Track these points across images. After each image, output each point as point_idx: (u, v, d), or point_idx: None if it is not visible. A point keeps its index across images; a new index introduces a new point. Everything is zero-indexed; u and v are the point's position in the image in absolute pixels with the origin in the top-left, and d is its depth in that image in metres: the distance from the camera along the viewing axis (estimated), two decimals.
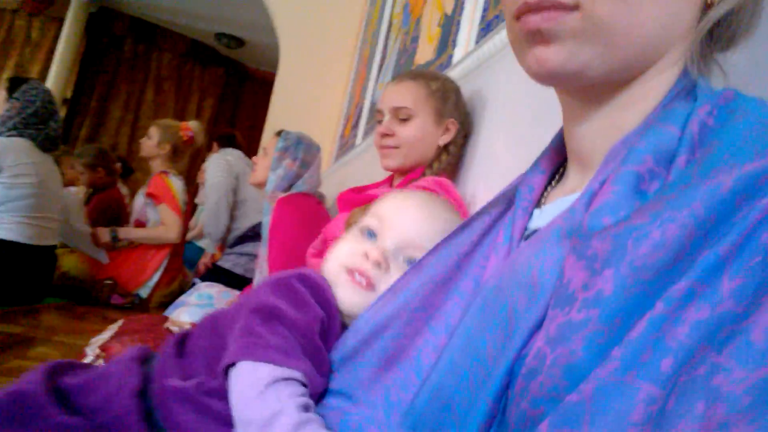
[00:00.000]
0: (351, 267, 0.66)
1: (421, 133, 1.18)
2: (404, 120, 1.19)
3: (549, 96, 0.88)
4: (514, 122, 1.05)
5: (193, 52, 6.54)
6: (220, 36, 6.09)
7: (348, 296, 0.65)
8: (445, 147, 1.20)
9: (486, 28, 1.30)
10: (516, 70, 1.07)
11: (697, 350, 0.30)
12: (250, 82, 6.98)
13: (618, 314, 0.33)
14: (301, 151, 1.87)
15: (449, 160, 1.19)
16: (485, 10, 1.35)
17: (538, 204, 0.52)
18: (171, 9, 5.82)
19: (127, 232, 2.89)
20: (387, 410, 0.47)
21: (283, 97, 3.65)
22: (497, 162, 1.08)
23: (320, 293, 0.64)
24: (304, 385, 0.52)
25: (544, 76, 0.44)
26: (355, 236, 0.70)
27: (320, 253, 1.19)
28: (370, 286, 0.65)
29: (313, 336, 0.57)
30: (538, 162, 0.56)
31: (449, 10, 1.64)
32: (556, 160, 0.55)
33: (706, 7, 0.43)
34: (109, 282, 2.67)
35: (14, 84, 2.43)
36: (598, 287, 0.34)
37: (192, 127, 3.06)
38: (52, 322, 2.23)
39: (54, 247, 2.49)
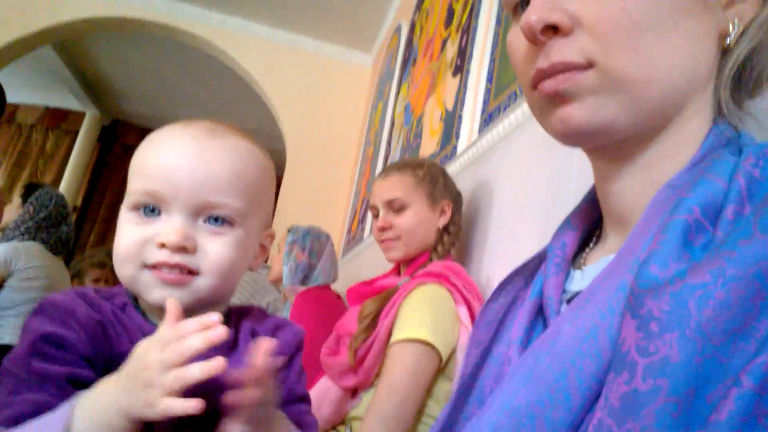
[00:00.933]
0: (149, 263, 0.54)
1: (418, 220, 1.19)
2: (399, 211, 1.21)
3: (559, 171, 0.92)
4: (526, 202, 1.08)
5: None
6: None
7: (163, 295, 0.53)
8: (445, 229, 1.21)
9: (488, 119, 1.37)
10: (523, 152, 1.12)
11: None
12: None
13: (691, 384, 0.30)
14: (309, 240, 1.89)
15: (451, 241, 1.20)
16: (485, 102, 1.43)
17: (575, 264, 0.50)
18: (181, 119, 6.11)
19: None
20: None
21: (291, 197, 3.74)
22: (513, 242, 1.09)
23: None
24: None
25: (571, 135, 0.43)
26: (131, 218, 0.56)
27: (334, 352, 1.17)
28: (187, 276, 0.54)
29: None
30: (569, 219, 0.54)
31: (450, 106, 1.74)
32: (590, 218, 0.53)
33: (724, 52, 0.43)
34: None
35: (29, 190, 2.51)
36: (662, 353, 0.31)
37: None
38: None
39: None
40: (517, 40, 0.46)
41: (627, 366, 0.33)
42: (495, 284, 1.09)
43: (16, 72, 4.96)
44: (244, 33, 3.87)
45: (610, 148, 0.45)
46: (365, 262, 2.42)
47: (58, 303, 0.53)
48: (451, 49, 1.88)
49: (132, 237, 0.55)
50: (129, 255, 0.55)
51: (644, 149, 0.44)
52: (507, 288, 0.55)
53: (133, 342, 0.50)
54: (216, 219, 0.56)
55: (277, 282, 1.94)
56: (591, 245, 0.52)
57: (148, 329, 0.55)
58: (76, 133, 6.06)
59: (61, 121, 6.25)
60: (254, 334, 0.60)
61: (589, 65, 0.40)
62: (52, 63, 4.87)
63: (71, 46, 4.74)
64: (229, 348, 0.57)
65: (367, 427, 0.93)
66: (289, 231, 1.97)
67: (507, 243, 1.12)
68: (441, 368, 1.00)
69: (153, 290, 0.54)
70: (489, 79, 1.44)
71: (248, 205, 0.58)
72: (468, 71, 1.62)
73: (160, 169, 0.55)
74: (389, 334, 1.03)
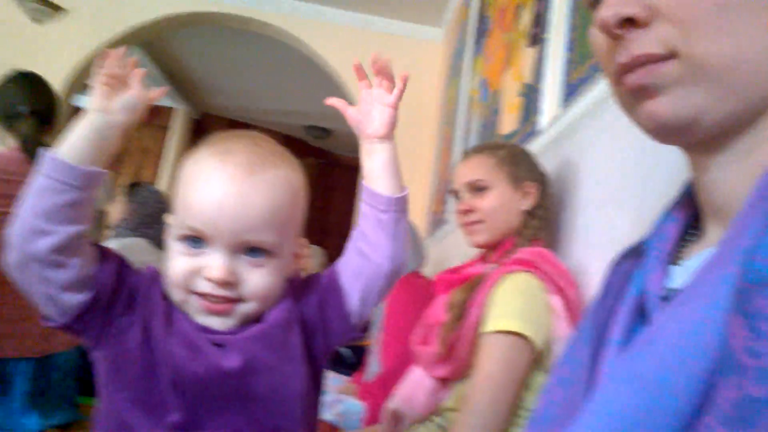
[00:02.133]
0: (197, 291, 0.60)
1: (500, 202, 1.15)
2: (480, 192, 1.17)
3: (654, 147, 0.85)
4: (618, 182, 1.01)
5: (286, 146, 6.91)
6: (309, 129, 6.50)
7: (210, 322, 0.61)
8: (532, 212, 1.16)
9: (571, 92, 1.29)
10: (612, 126, 1.05)
11: None
12: (340, 168, 7.31)
13: None
14: None
15: (539, 225, 1.15)
16: (567, 73, 1.34)
17: (673, 259, 0.47)
18: (264, 110, 6.31)
19: None
20: None
21: None
22: (606, 225, 1.03)
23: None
24: None
25: (659, 130, 0.41)
26: (181, 248, 0.62)
27: (425, 341, 1.16)
28: (231, 305, 0.61)
29: None
30: (670, 211, 0.50)
31: (528, 80, 1.65)
32: (689, 211, 0.50)
33: None
34: None
35: (131, 189, 2.69)
36: None
37: None
38: None
39: None
40: (597, 34, 0.44)
41: (735, 368, 0.30)
42: (588, 270, 1.04)
43: None
44: (315, 18, 3.89)
45: (704, 141, 0.42)
46: (451, 245, 2.39)
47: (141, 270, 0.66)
48: (526, 18, 1.78)
49: (182, 267, 0.61)
50: (179, 282, 0.61)
51: (741, 136, 0.40)
52: (615, 277, 0.52)
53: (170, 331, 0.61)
54: (254, 251, 0.61)
55: None
56: (690, 239, 0.49)
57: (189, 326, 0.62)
58: (169, 129, 6.42)
59: (154, 118, 6.64)
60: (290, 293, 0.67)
61: (671, 55, 0.39)
62: (142, 63, 5.14)
63: (157, 45, 4.99)
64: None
65: (463, 420, 0.92)
66: None
67: (599, 226, 1.06)
68: (536, 359, 0.97)
69: (200, 316, 0.61)
70: (569, 48, 1.35)
71: (283, 235, 0.63)
72: (546, 40, 1.53)
73: (203, 210, 0.60)
74: (479, 323, 1.01)
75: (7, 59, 3.72)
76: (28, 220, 0.57)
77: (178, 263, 0.61)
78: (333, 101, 0.73)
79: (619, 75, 0.41)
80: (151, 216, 2.58)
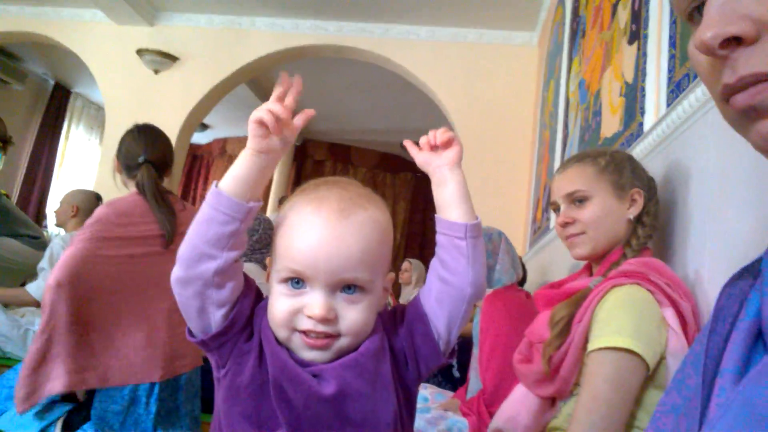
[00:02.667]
0: (299, 329, 0.65)
1: (603, 212, 1.09)
2: (581, 203, 1.12)
3: None
4: (733, 185, 0.93)
5: (383, 163, 7.13)
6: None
7: (313, 357, 0.65)
8: (638, 220, 1.09)
9: (677, 90, 1.21)
10: (724, 125, 0.97)
11: None
12: None
13: None
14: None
15: (647, 233, 1.07)
16: (671, 71, 1.26)
17: None
18: (361, 130, 6.50)
19: None
20: None
21: (469, 190, 3.74)
22: (722, 231, 0.95)
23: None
24: None
25: None
26: (283, 290, 0.66)
27: (528, 359, 1.13)
28: (330, 340, 0.65)
29: None
30: None
31: (630, 78, 1.57)
32: None
33: None
34: None
35: None
36: None
37: None
38: None
39: None
40: (697, 54, 0.41)
41: None
42: (705, 279, 0.96)
43: (222, 111, 5.72)
44: (406, 38, 3.96)
45: None
46: (554, 254, 2.31)
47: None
48: (624, 14, 1.70)
49: (285, 307, 0.65)
50: (283, 322, 0.66)
51: None
52: (728, 302, 0.48)
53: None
54: (350, 288, 0.66)
55: None
56: None
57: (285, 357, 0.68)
58: None
59: None
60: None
61: None
62: (248, 98, 5.52)
63: (260, 81, 5.33)
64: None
65: None
66: None
67: (714, 232, 0.98)
68: (650, 376, 0.91)
69: (303, 352, 0.66)
70: (672, 44, 1.27)
71: (375, 272, 0.67)
72: (646, 36, 1.45)
73: (303, 254, 0.65)
74: (585, 340, 0.97)
75: (133, 105, 4.15)
76: (197, 245, 0.64)
77: (282, 304, 0.66)
78: (406, 143, 0.76)
79: (727, 95, 0.39)
80: (260, 242, 2.73)
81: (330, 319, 0.64)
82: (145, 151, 1.75)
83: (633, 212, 1.10)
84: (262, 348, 0.68)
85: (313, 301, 0.64)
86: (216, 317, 0.67)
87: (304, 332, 0.65)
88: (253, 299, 0.70)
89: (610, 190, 1.11)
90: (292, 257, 0.65)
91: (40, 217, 5.93)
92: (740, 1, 0.37)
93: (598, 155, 1.16)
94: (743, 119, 0.39)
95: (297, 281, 0.65)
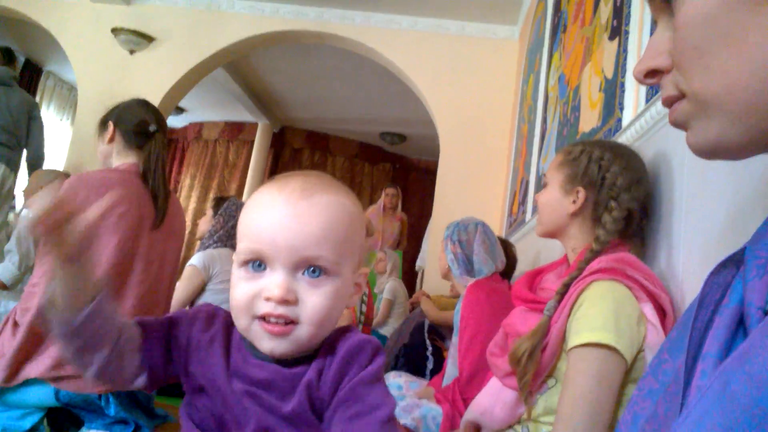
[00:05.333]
0: (258, 314, 0.62)
1: (548, 200, 1.18)
2: (544, 187, 1.20)
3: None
4: (713, 178, 0.95)
5: (361, 152, 7.11)
6: (384, 135, 6.57)
7: (271, 346, 0.62)
8: (598, 219, 1.10)
9: (656, 85, 1.22)
10: None
11: None
12: (415, 172, 7.33)
13: None
14: (456, 233, 1.87)
15: (604, 234, 1.05)
16: None
17: None
18: (340, 119, 6.46)
19: None
20: None
21: (447, 182, 3.75)
22: (705, 225, 0.96)
23: None
24: None
25: (700, 156, 0.46)
26: (243, 274, 0.64)
27: (503, 351, 1.13)
28: (289, 327, 0.61)
29: None
30: None
31: (609, 74, 1.58)
32: None
33: None
34: None
35: (218, 202, 2.83)
36: None
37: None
38: None
39: None
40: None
41: None
42: (679, 273, 0.98)
43: (198, 94, 5.62)
44: (388, 27, 3.94)
45: (744, 155, 0.45)
46: (529, 247, 2.34)
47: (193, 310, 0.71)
48: (606, 10, 1.71)
49: (244, 291, 0.63)
50: (242, 308, 0.63)
51: None
52: (712, 289, 0.48)
53: (231, 357, 0.66)
54: (313, 270, 0.62)
55: (446, 277, 1.95)
56: None
57: (239, 346, 0.67)
58: (252, 143, 6.71)
59: (238, 133, 6.98)
60: (332, 352, 0.66)
61: (682, 95, 0.44)
62: (226, 82, 5.43)
63: (238, 65, 5.24)
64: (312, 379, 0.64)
65: None
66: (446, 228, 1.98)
67: (689, 227, 0.99)
68: (627, 371, 0.92)
69: (262, 340, 0.62)
70: None
71: (340, 254, 0.64)
72: (627, 32, 1.46)
73: (262, 231, 0.62)
74: (562, 338, 0.98)
75: (106, 86, 4.05)
76: (70, 356, 0.64)
77: (241, 289, 0.63)
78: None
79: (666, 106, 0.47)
80: (236, 227, 2.70)
81: (289, 300, 0.61)
82: (157, 122, 1.65)
83: (572, 208, 1.12)
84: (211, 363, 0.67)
85: (272, 282, 0.61)
86: (140, 383, 0.68)
87: (263, 318, 0.61)
88: (162, 340, 0.68)
89: (560, 182, 1.15)
90: (251, 236, 0.63)
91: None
92: (661, 40, 0.46)
93: (577, 146, 1.17)
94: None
95: (258, 263, 0.63)
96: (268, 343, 0.62)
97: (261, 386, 0.64)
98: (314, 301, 0.62)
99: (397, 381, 1.82)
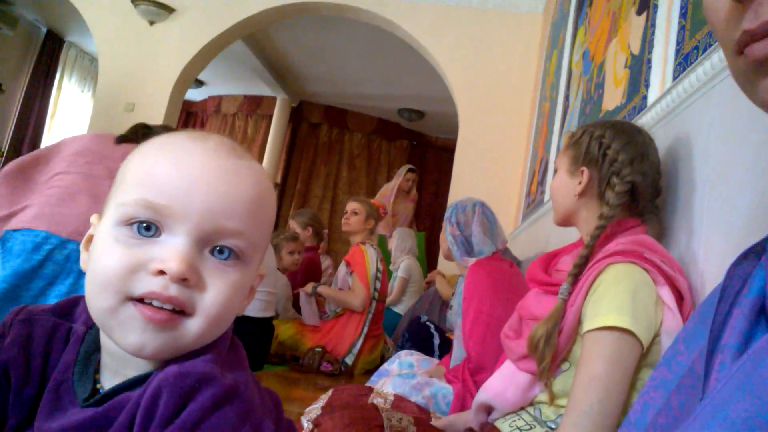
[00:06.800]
0: (136, 294, 0.44)
1: (557, 185, 1.16)
2: (555, 173, 1.19)
3: None
4: (738, 160, 0.91)
5: (379, 129, 7.05)
6: (402, 111, 6.51)
7: (143, 341, 0.44)
8: (588, 197, 1.10)
9: (684, 62, 1.17)
10: (732, 99, 0.94)
11: None
12: (432, 150, 7.27)
13: None
14: (455, 214, 1.85)
15: (607, 211, 1.04)
16: (679, 43, 1.23)
17: None
18: (358, 94, 6.40)
19: (325, 289, 3.10)
20: None
21: (464, 160, 3.71)
22: (729, 208, 0.93)
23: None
24: None
25: None
26: (120, 236, 0.45)
27: (518, 334, 1.12)
28: (176, 318, 0.45)
29: None
30: None
31: (636, 50, 1.53)
32: None
33: None
34: (318, 350, 2.87)
35: None
36: None
37: (381, 205, 3.28)
38: (272, 388, 2.44)
39: (272, 318, 2.77)
40: None
41: None
42: (700, 257, 0.95)
43: (218, 67, 5.60)
44: (409, 0, 3.86)
45: None
46: (546, 228, 2.30)
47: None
48: None
49: (119, 260, 0.45)
50: (111, 282, 0.44)
51: None
52: (733, 279, 0.46)
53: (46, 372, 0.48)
54: (221, 251, 0.47)
55: (448, 258, 1.94)
56: None
57: (62, 380, 0.49)
58: (271, 117, 6.69)
59: (257, 107, 6.96)
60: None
61: None
62: (245, 55, 5.40)
63: (257, 38, 5.20)
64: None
65: (570, 422, 0.88)
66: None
67: (713, 209, 0.96)
68: (643, 355, 0.90)
69: (131, 332, 0.45)
70: (683, 14, 1.23)
71: (260, 239, 0.50)
72: (656, 6, 1.41)
73: (172, 183, 0.46)
74: (577, 321, 0.96)
75: (127, 58, 4.05)
76: None
77: (115, 255, 0.45)
78: None
79: (743, 44, 0.36)
80: None
81: (189, 280, 0.45)
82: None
83: (578, 189, 1.11)
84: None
85: (170, 251, 0.44)
86: None
87: (142, 299, 0.44)
88: None
89: (566, 166, 1.15)
90: (149, 185, 0.46)
91: None
92: None
93: (579, 129, 1.18)
94: (754, 73, 0.37)
95: (147, 225, 0.45)
96: (138, 336, 0.44)
97: None
98: (219, 289, 0.47)
99: (408, 359, 1.82)
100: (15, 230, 1.58)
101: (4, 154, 5.72)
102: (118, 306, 0.45)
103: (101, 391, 0.48)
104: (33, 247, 1.54)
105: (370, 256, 3.08)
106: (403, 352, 1.94)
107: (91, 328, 0.52)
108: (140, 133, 1.76)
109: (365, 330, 2.98)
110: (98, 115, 4.05)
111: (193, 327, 0.46)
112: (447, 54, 3.80)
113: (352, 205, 3.13)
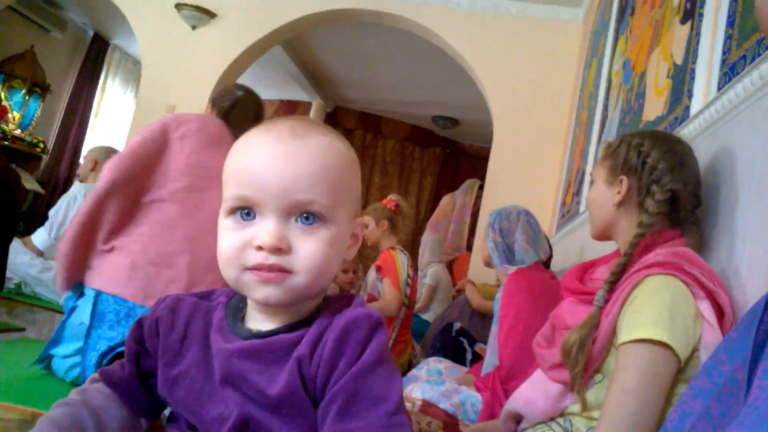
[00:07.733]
0: (249, 266, 0.57)
1: (595, 196, 1.15)
2: (591, 185, 1.18)
3: None
4: None
5: (412, 135, 7.06)
6: (436, 119, 6.50)
7: (266, 294, 0.57)
8: (627, 207, 1.08)
9: (730, 73, 1.15)
10: None
11: None
12: (466, 158, 7.24)
13: None
14: (498, 221, 1.83)
15: (647, 220, 1.01)
16: (725, 53, 1.20)
17: None
18: (392, 101, 6.42)
19: None
20: None
21: (499, 169, 3.68)
22: (763, 224, 0.90)
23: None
24: None
25: None
26: (230, 224, 0.58)
27: (550, 344, 1.10)
28: (284, 272, 0.56)
29: None
30: None
31: (679, 59, 1.50)
32: None
33: None
34: None
35: None
36: None
37: (393, 198, 3.22)
38: None
39: None
40: None
41: None
42: (743, 271, 0.92)
43: (256, 72, 5.70)
44: (446, 6, 3.87)
45: None
46: (581, 239, 2.27)
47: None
48: None
49: (232, 242, 0.58)
50: (230, 259, 0.58)
51: None
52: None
53: (201, 331, 0.63)
54: (307, 217, 0.57)
55: (488, 265, 1.92)
56: None
57: (221, 326, 0.63)
58: None
59: (293, 112, 7.05)
60: (325, 333, 0.59)
61: None
62: (282, 60, 5.49)
63: (295, 43, 5.28)
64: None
65: None
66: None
67: (757, 223, 0.93)
68: (680, 370, 0.88)
69: (256, 290, 0.57)
70: (730, 23, 1.20)
71: (335, 199, 0.59)
72: (701, 15, 1.38)
73: (249, 174, 0.57)
74: (612, 332, 0.94)
75: (169, 61, 4.16)
76: None
77: (229, 239, 0.58)
78: None
79: None
80: None
81: (282, 248, 0.56)
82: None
83: (617, 198, 1.09)
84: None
85: (262, 230, 0.56)
86: (142, 425, 0.68)
87: (254, 268, 0.57)
88: (134, 367, 0.66)
89: (604, 177, 1.13)
90: (238, 181, 0.58)
91: (73, 168, 6.05)
92: None
93: (616, 139, 1.16)
94: None
95: (246, 212, 0.58)
96: (261, 292, 0.57)
97: (245, 359, 0.58)
98: (309, 248, 0.57)
99: (437, 366, 1.82)
100: (108, 294, 1.43)
101: (49, 152, 5.93)
102: (239, 275, 0.58)
103: (261, 331, 0.61)
104: (123, 316, 1.42)
105: (401, 261, 3.07)
106: (431, 359, 1.93)
107: (232, 298, 0.67)
108: (227, 107, 1.77)
109: (394, 335, 2.97)
110: (140, 115, 4.17)
111: (298, 279, 0.57)
112: (483, 61, 3.79)
113: (359, 221, 3.13)
